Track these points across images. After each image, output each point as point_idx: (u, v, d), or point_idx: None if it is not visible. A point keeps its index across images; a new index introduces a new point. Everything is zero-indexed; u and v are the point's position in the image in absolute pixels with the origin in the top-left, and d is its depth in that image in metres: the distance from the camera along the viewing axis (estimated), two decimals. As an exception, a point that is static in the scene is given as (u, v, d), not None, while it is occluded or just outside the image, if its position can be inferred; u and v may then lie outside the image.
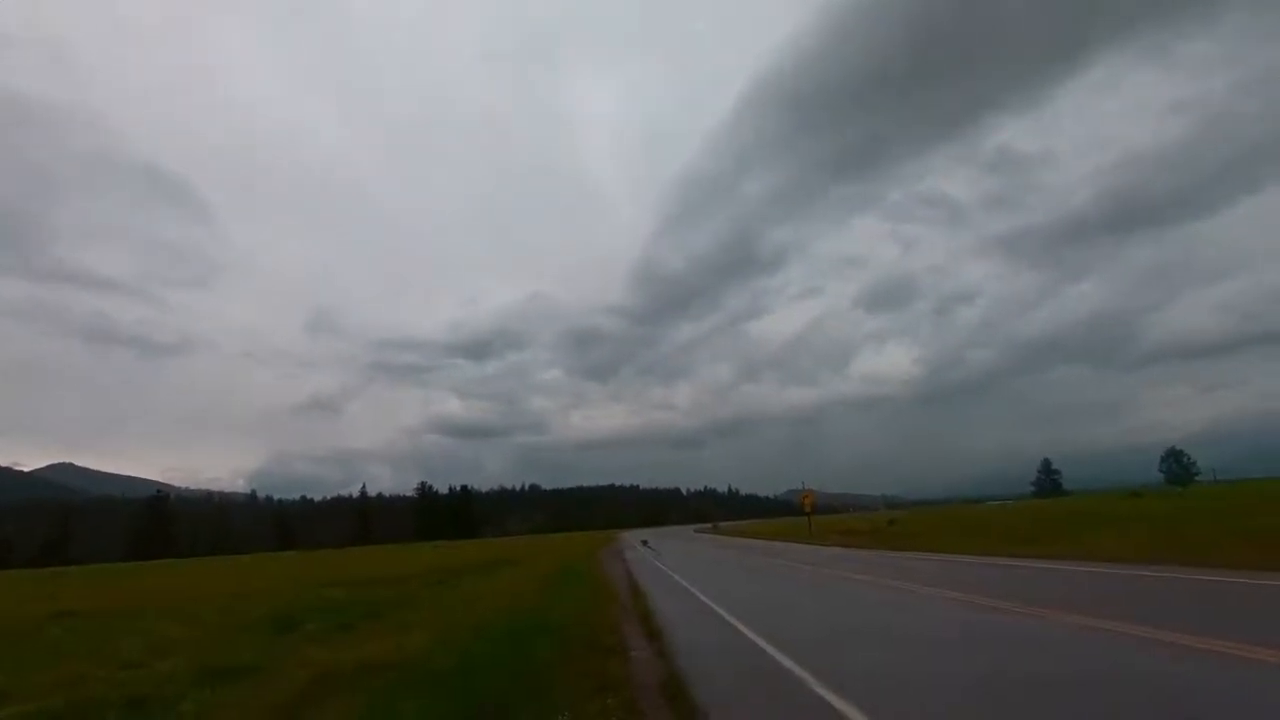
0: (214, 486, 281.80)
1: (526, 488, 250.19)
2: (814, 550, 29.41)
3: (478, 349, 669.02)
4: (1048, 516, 39.52)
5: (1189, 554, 14.32)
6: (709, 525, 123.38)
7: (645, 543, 53.09)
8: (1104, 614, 8.08)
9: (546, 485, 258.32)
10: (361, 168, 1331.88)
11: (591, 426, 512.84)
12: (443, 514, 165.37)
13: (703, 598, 13.86)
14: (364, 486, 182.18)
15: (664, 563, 27.70)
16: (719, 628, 9.92)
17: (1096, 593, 10.64)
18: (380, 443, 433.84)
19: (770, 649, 7.79)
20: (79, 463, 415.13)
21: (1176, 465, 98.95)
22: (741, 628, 9.55)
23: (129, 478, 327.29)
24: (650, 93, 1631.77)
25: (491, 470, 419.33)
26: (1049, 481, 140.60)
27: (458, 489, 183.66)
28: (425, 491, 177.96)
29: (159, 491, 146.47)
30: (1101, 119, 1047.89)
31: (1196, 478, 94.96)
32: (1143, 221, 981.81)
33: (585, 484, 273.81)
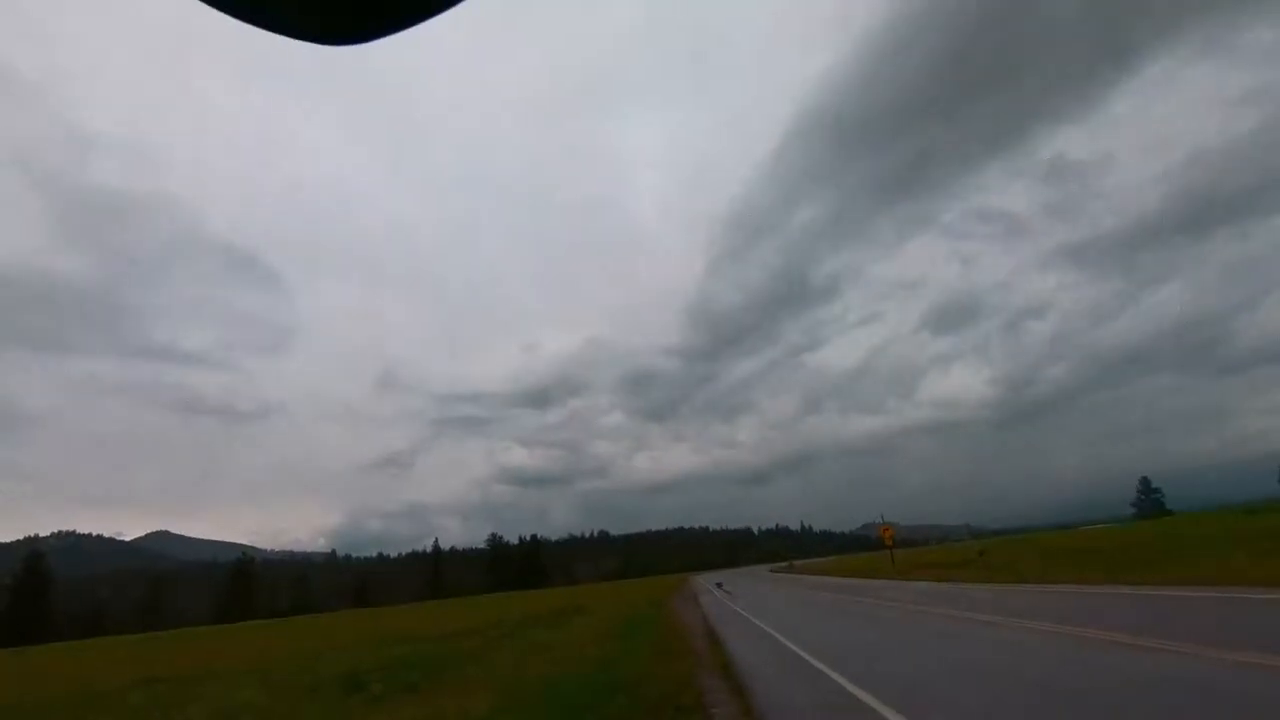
0: (296, 547, 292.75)
1: (595, 534, 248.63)
2: (900, 586, 27.35)
3: (538, 398, 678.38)
4: (1151, 539, 36.03)
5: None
6: (784, 564, 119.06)
7: (720, 585, 51.18)
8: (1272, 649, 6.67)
9: (615, 531, 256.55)
10: (418, 224, 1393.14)
11: (656, 469, 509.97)
12: (513, 564, 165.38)
13: (787, 642, 12.60)
14: (436, 540, 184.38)
15: (740, 606, 26.19)
16: (811, 679, 8.75)
17: (1256, 624, 9.02)
18: (450, 496, 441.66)
19: (877, 705, 6.70)
20: (174, 530, 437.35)
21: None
22: (838, 678, 8.39)
23: (219, 542, 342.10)
24: (696, 131, 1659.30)
25: (560, 518, 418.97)
26: (1150, 501, 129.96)
27: (527, 539, 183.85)
28: (496, 543, 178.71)
29: (244, 555, 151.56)
30: (1162, 118, 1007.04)
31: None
32: (1221, 219, 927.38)
33: (653, 528, 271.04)
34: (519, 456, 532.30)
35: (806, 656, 10.53)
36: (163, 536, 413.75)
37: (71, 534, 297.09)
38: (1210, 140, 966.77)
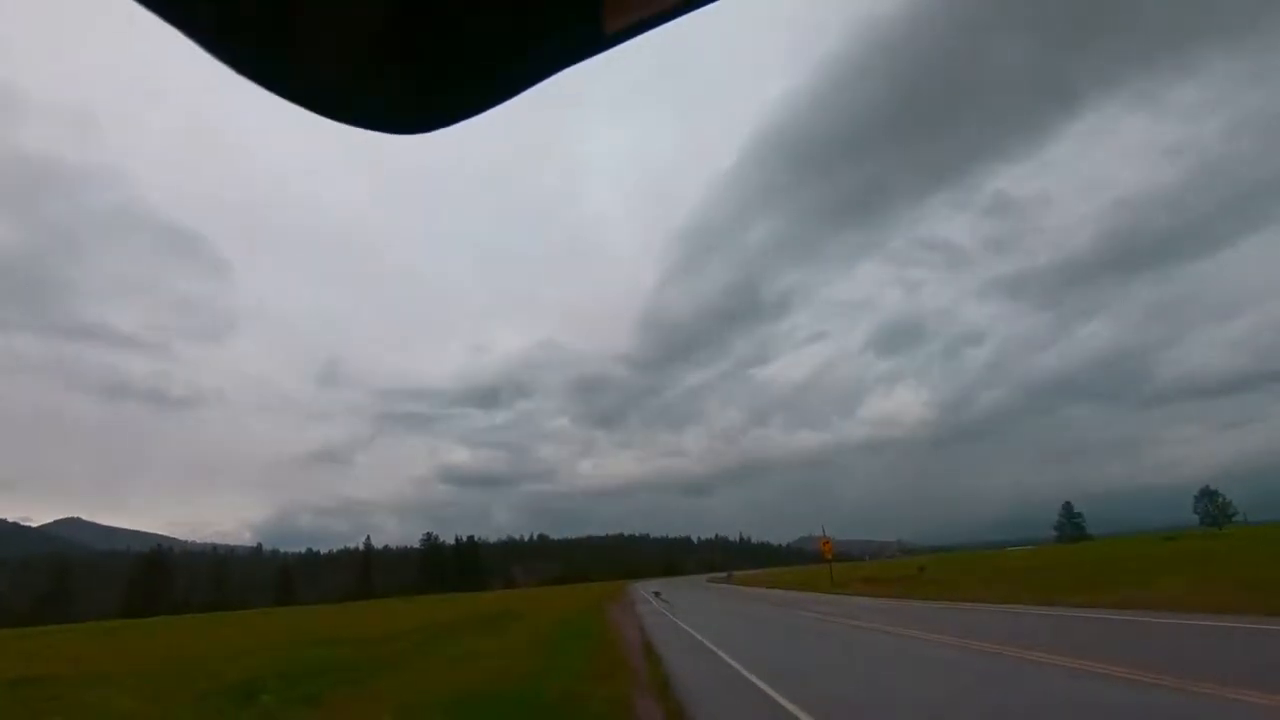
0: (220, 540, 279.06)
1: (535, 538, 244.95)
2: (843, 601, 26.88)
3: (486, 398, 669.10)
4: (1087, 561, 36.79)
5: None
6: (723, 575, 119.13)
7: (658, 594, 50.25)
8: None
9: (555, 535, 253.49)
10: (371, 218, 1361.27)
11: (600, 475, 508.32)
12: (448, 565, 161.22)
13: (731, 661, 11.59)
14: (368, 538, 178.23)
15: (680, 618, 25.24)
16: (757, 705, 7.78)
17: (1228, 654, 8.49)
18: (387, 493, 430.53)
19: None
20: (87, 517, 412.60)
21: (1212, 505, 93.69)
22: (788, 705, 7.45)
23: (135, 532, 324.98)
24: (657, 142, 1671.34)
25: (499, 520, 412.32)
26: (1072, 525, 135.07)
27: (464, 539, 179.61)
28: (431, 542, 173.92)
29: (158, 546, 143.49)
30: (1096, 163, 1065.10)
31: (1233, 518, 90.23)
32: (1146, 261, 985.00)
33: (594, 533, 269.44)
34: (462, 456, 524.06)
35: (752, 678, 9.55)
36: (74, 524, 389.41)
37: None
38: (1138, 187, 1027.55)
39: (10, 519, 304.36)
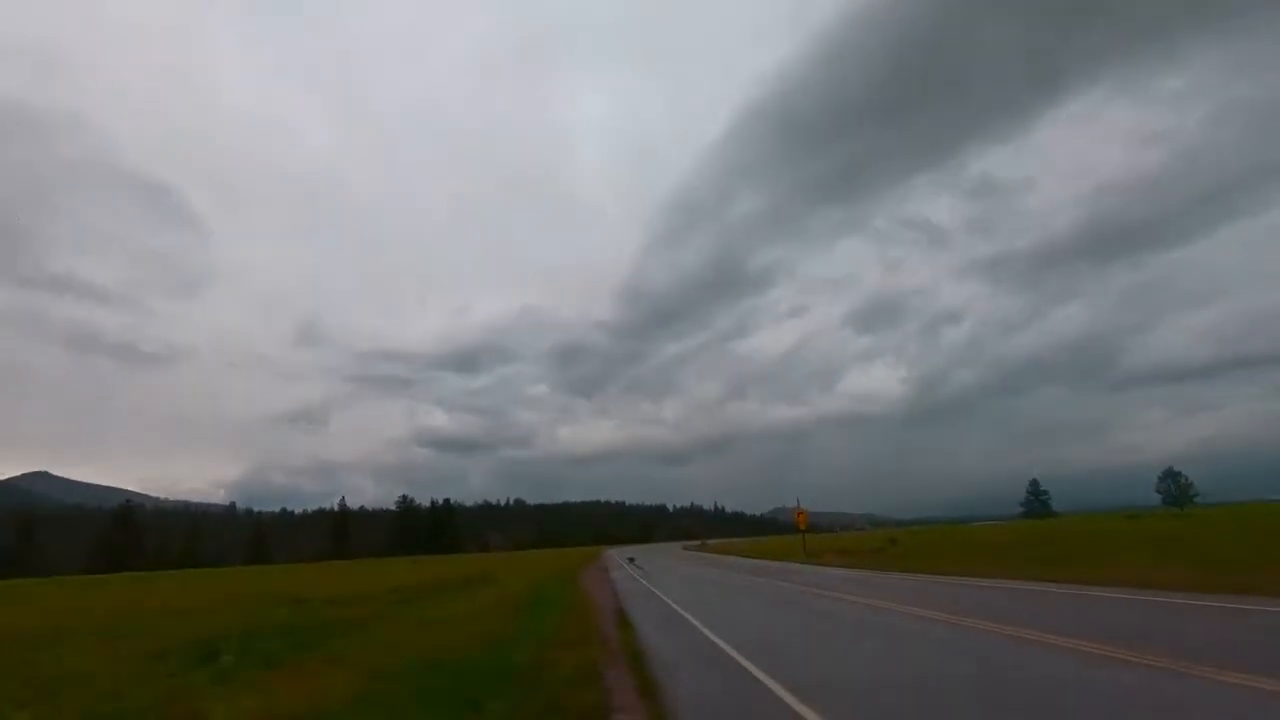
0: (193, 497, 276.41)
1: (511, 502, 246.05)
2: (816, 571, 26.97)
3: (465, 362, 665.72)
4: (1057, 537, 37.40)
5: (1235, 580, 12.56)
6: (697, 543, 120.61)
7: (632, 560, 50.54)
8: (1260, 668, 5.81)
9: (531, 500, 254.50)
10: (351, 175, 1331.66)
11: (578, 442, 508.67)
12: (423, 528, 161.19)
13: (706, 632, 11.29)
14: (343, 498, 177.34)
15: (654, 584, 25.16)
16: (733, 678, 7.45)
17: (1220, 635, 8.30)
18: (363, 455, 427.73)
19: (810, 715, 5.49)
20: (55, 472, 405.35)
21: (1174, 486, 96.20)
22: (763, 678, 7.14)
23: (106, 487, 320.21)
24: (644, 110, 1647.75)
25: (475, 484, 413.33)
26: (1037, 502, 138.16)
27: (440, 502, 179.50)
28: (406, 504, 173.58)
29: (128, 501, 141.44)
30: (1080, 149, 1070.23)
31: (1195, 499, 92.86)
32: (1122, 248, 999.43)
33: (570, 499, 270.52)
34: (439, 419, 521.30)
35: (730, 650, 9.22)
36: (42, 478, 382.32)
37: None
38: (1118, 174, 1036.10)
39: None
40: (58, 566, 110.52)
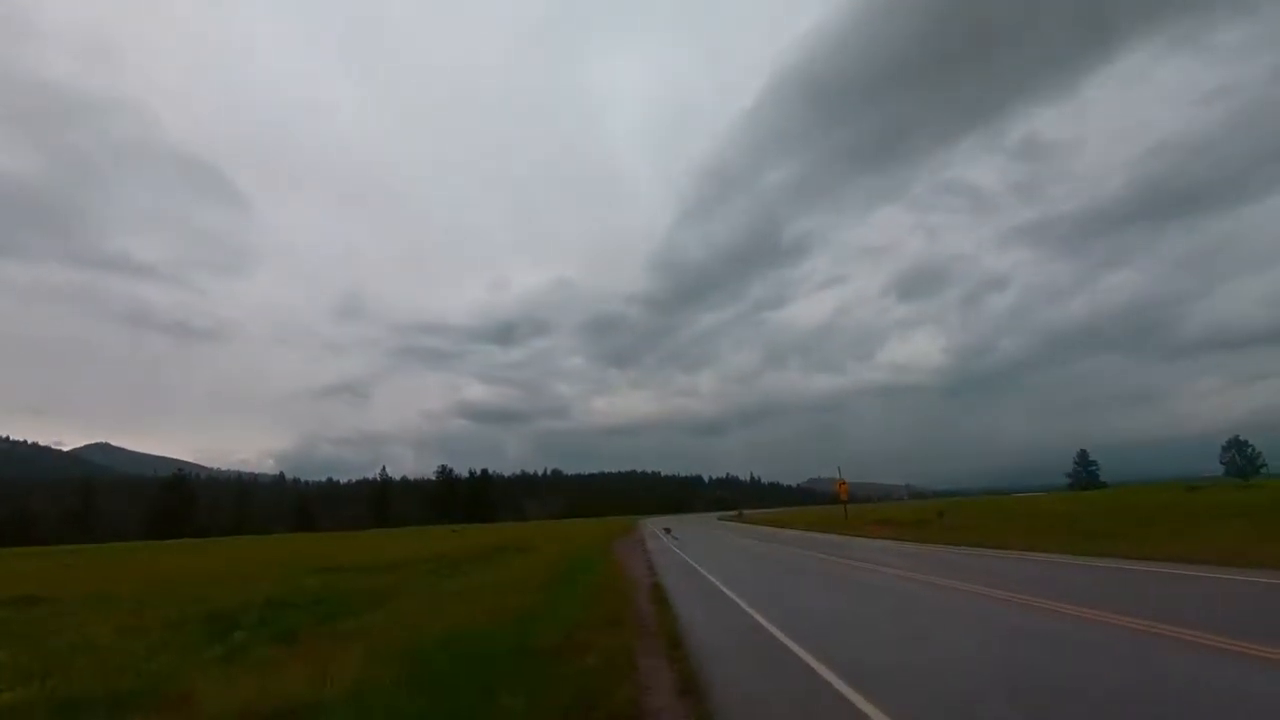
0: (243, 468, 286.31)
1: (548, 473, 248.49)
2: (862, 543, 25.78)
3: (503, 334, 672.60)
4: (1119, 509, 35.46)
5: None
6: (733, 513, 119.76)
7: (668, 530, 49.91)
8: None
9: (567, 470, 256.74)
10: (388, 150, 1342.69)
11: (614, 412, 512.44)
12: (461, 497, 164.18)
13: (752, 612, 10.21)
14: (384, 468, 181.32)
15: (691, 556, 24.31)
16: (783, 670, 6.35)
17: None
18: (405, 426, 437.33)
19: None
20: (116, 443, 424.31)
21: (1240, 456, 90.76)
22: (819, 668, 6.09)
23: (162, 458, 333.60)
24: (677, 80, 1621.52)
25: (513, 455, 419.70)
26: (1085, 474, 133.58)
27: (478, 473, 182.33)
28: (445, 474, 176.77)
29: (181, 471, 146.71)
30: (1133, 108, 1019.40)
31: (1261, 469, 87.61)
32: (1179, 210, 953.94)
33: (606, 470, 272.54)
34: (478, 391, 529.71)
35: (780, 635, 8.14)
36: (103, 449, 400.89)
37: (4, 440, 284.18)
38: (1173, 134, 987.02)
39: (42, 443, 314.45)
40: (118, 532, 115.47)
